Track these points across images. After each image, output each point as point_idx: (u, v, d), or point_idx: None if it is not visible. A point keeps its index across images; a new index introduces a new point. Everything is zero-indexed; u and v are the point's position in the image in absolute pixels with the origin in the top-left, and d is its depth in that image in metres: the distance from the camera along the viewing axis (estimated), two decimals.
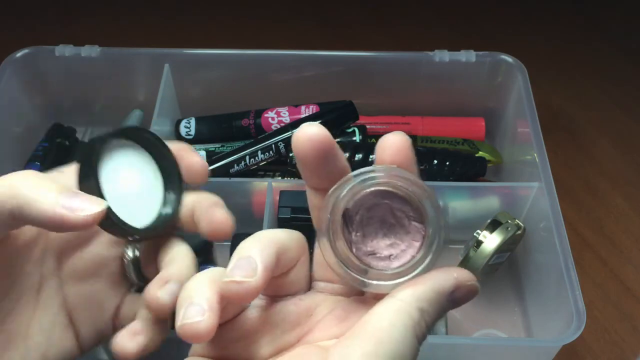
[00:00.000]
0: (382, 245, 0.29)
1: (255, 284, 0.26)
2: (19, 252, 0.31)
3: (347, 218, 0.28)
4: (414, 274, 0.28)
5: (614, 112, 0.80)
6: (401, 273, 0.28)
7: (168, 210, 0.33)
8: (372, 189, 0.28)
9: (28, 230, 0.31)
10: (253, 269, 0.26)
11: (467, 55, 0.69)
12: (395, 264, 0.28)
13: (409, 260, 0.28)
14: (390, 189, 0.28)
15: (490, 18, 0.91)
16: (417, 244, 0.28)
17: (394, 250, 0.29)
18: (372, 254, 0.29)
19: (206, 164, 0.34)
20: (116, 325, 0.34)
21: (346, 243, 0.28)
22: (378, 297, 0.28)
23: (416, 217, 0.28)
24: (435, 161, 0.64)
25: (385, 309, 0.26)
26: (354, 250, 0.29)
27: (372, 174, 0.27)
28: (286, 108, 0.70)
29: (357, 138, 0.67)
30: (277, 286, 0.30)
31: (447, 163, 0.64)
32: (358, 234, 0.29)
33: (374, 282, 0.28)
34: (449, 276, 0.27)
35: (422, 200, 0.28)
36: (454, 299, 0.27)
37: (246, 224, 0.45)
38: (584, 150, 0.76)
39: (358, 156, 0.63)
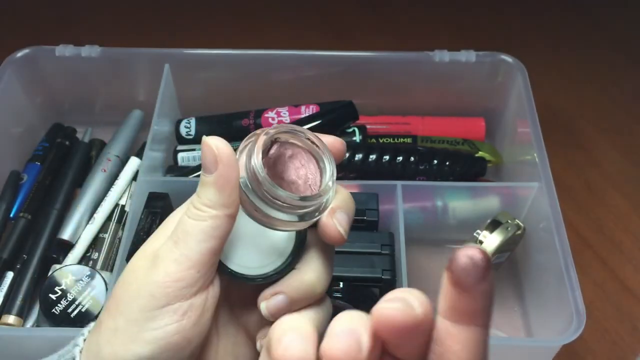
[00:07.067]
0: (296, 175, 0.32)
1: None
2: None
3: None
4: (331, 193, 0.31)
5: (614, 112, 0.80)
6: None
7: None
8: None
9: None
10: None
11: (467, 55, 0.69)
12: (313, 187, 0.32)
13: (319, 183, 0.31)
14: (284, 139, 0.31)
15: (490, 18, 0.91)
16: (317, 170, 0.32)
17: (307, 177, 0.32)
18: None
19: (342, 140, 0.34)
20: None
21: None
22: None
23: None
24: (435, 161, 0.64)
25: None
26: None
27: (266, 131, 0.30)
28: (286, 108, 0.70)
29: (357, 138, 0.67)
30: None
31: (447, 163, 0.64)
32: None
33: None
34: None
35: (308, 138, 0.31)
36: None
37: None
38: (584, 150, 0.76)
39: (358, 156, 0.63)
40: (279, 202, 0.30)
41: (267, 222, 0.31)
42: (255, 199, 0.30)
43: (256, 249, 0.33)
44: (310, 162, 0.32)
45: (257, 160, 0.29)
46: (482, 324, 0.27)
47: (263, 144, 0.30)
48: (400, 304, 0.24)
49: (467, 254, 0.25)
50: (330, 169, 0.31)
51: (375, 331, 0.24)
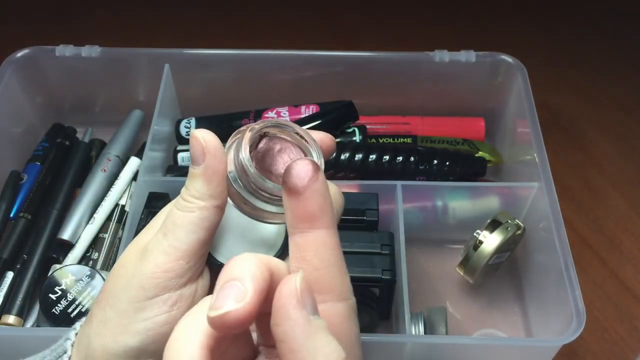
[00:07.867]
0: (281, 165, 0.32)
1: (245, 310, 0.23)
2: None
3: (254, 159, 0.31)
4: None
5: (614, 112, 0.80)
6: None
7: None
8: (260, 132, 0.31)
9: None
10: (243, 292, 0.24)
11: (467, 55, 0.69)
12: None
13: None
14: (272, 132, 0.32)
15: (490, 18, 0.91)
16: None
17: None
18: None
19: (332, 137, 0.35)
20: None
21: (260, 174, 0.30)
22: None
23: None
24: (435, 161, 0.64)
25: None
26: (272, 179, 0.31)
27: (255, 126, 0.31)
28: (286, 108, 0.70)
29: (357, 138, 0.67)
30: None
31: (447, 163, 0.64)
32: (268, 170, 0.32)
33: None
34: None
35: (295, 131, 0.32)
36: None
37: None
38: (584, 150, 0.76)
39: (358, 156, 0.63)
40: (267, 195, 0.30)
41: (256, 215, 0.31)
42: (243, 192, 0.31)
43: (246, 242, 0.33)
44: (299, 156, 0.32)
45: (244, 153, 0.30)
46: (326, 226, 0.27)
47: (250, 138, 0.30)
48: (228, 305, 0.23)
49: (295, 163, 0.27)
50: (318, 163, 0.31)
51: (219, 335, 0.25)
